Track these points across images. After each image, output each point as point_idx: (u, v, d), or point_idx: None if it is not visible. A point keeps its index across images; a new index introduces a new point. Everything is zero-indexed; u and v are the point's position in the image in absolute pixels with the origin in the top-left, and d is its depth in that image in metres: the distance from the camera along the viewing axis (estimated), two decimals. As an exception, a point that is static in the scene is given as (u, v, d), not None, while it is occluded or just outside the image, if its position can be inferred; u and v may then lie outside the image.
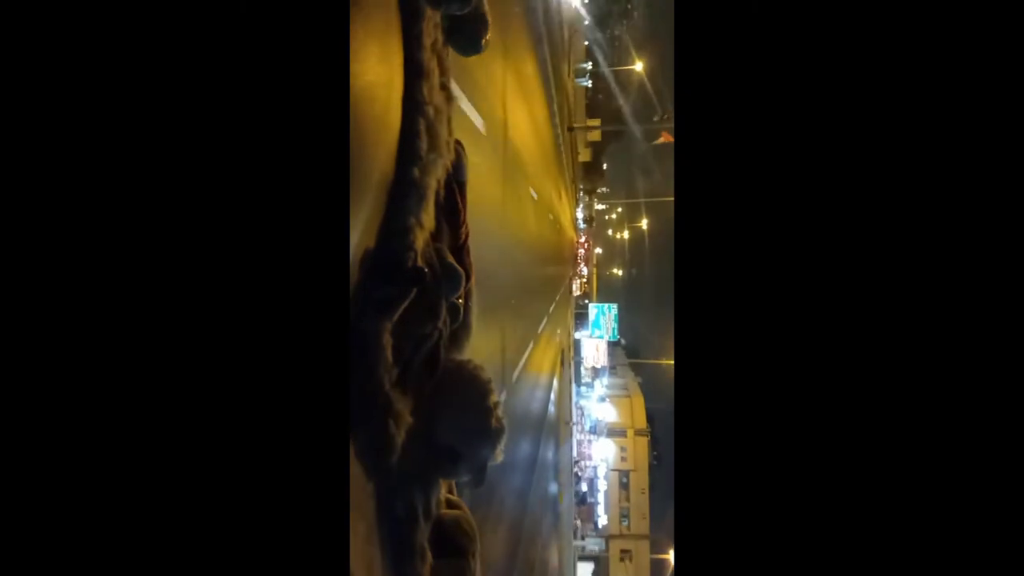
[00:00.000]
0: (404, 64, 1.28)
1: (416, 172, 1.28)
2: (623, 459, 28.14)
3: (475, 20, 1.55)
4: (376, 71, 1.20)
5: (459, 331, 1.61)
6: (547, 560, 13.45)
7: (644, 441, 28.70)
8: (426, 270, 1.31)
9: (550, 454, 15.14)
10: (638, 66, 32.93)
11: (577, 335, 26.85)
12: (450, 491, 1.53)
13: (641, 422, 29.08)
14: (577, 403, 25.03)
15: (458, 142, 1.65)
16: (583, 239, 31.89)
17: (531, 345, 11.56)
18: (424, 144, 1.29)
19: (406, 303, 1.26)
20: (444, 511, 1.44)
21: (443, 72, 1.51)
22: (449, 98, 1.56)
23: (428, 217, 1.34)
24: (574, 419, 22.31)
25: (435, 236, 1.48)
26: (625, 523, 27.50)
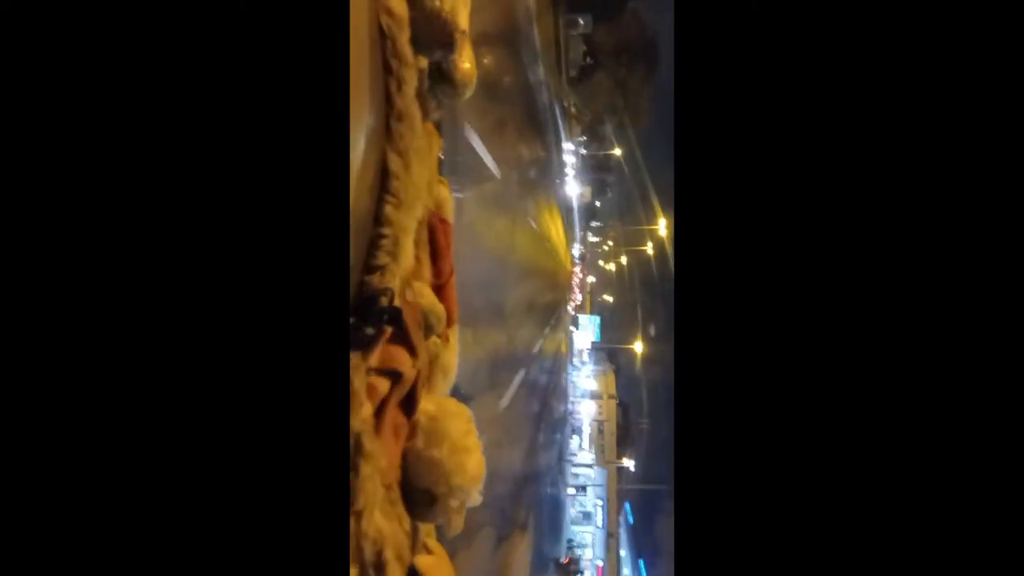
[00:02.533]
0: (384, 108, 1.16)
1: (392, 212, 1.15)
2: (600, 413, 39.63)
3: (457, 66, 1.45)
4: (358, 115, 1.08)
5: (437, 372, 1.49)
6: (549, 465, 20.70)
7: (613, 402, 40.30)
8: (402, 309, 1.17)
9: (553, 409, 23.72)
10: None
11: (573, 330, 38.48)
12: (430, 534, 1.33)
13: (612, 390, 40.59)
14: (570, 378, 36.32)
15: (443, 182, 1.58)
16: (578, 269, 42.94)
17: (540, 341, 17.58)
18: (401, 185, 1.17)
19: (382, 342, 1.13)
20: (419, 557, 1.22)
21: (427, 115, 1.41)
22: (436, 141, 1.48)
23: (406, 256, 1.22)
24: (568, 388, 33.24)
25: (416, 274, 1.37)
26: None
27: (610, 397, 41.20)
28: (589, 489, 33.83)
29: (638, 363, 44.17)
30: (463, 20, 1.40)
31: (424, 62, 1.36)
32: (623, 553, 33.46)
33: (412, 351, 1.24)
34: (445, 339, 1.51)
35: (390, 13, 1.19)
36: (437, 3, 1.31)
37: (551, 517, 22.76)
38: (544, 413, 18.54)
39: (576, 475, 32.69)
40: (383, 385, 1.16)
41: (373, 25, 1.15)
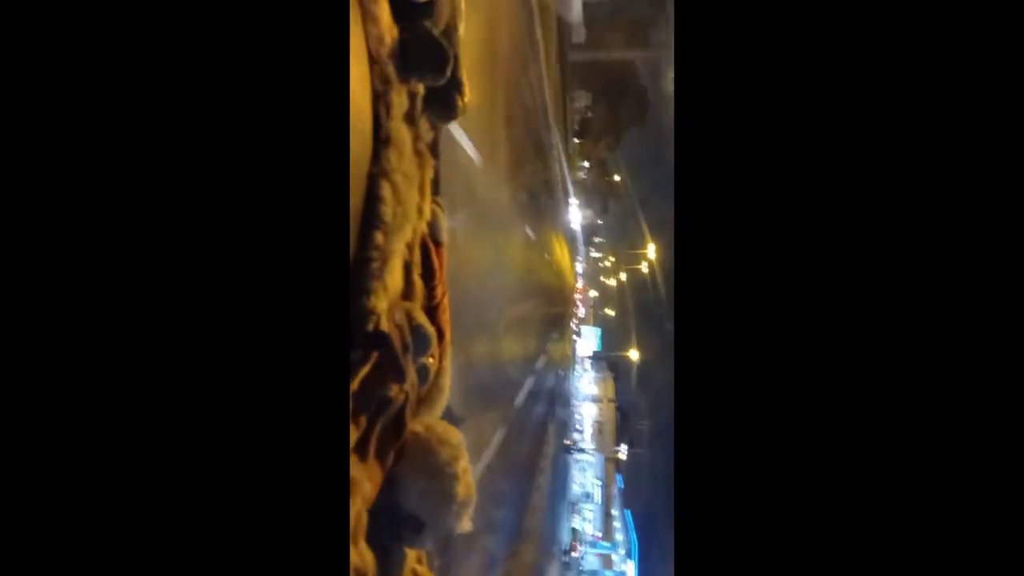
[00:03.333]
0: (373, 133, 1.13)
1: (380, 236, 1.11)
2: (600, 415, 42.59)
3: (450, 88, 1.39)
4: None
5: (430, 393, 1.44)
6: (554, 455, 21.50)
7: (612, 405, 43.26)
8: (389, 334, 1.12)
9: (558, 410, 24.63)
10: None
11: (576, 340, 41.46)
12: (419, 561, 1.29)
13: (611, 394, 43.61)
14: (574, 383, 39.25)
15: (437, 203, 1.50)
16: (580, 285, 45.69)
17: (547, 349, 18.40)
18: (389, 210, 1.13)
19: (368, 367, 1.09)
20: None
21: (420, 137, 1.34)
22: (428, 163, 1.39)
23: (394, 279, 1.18)
24: (572, 391, 36.16)
25: (406, 296, 1.31)
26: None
27: (609, 401, 43.69)
28: (588, 471, 37.09)
29: (634, 369, 47.31)
30: (457, 44, 1.38)
31: (418, 85, 1.33)
32: (615, 512, 36.97)
33: (400, 375, 1.18)
34: (437, 360, 1.44)
35: (380, 38, 1.15)
36: (429, 27, 1.28)
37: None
38: (550, 411, 19.85)
39: (578, 460, 35.88)
40: (368, 411, 1.11)
41: (362, 50, 1.12)
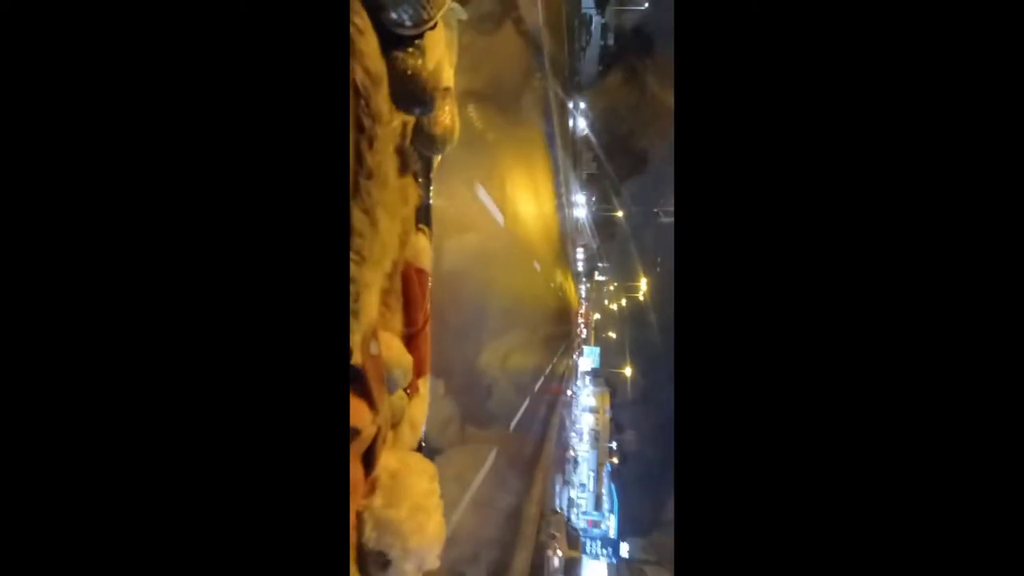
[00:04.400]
0: (354, 165, 1.06)
1: (353, 270, 1.03)
2: (596, 424, 46.75)
3: (437, 120, 1.28)
4: None
5: (404, 424, 1.31)
6: (557, 456, 23.36)
7: (607, 416, 46.23)
8: (363, 367, 1.05)
9: (556, 420, 26.23)
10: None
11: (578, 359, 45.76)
12: None
13: (607, 405, 46.99)
14: (576, 395, 43.60)
15: (421, 230, 1.40)
16: (583, 309, 47.57)
17: (552, 361, 20.74)
18: (365, 243, 1.06)
19: None
20: None
21: (405, 168, 1.26)
22: (413, 192, 1.31)
23: (368, 312, 1.09)
24: (571, 403, 40.29)
25: (383, 325, 1.22)
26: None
27: (604, 412, 45.78)
28: (583, 464, 41.11)
29: (629, 384, 51.72)
30: (447, 77, 1.30)
31: (405, 117, 1.25)
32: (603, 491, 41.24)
33: (372, 406, 1.10)
34: (414, 390, 1.35)
35: (366, 71, 1.09)
36: (418, 62, 1.19)
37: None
38: (551, 415, 21.85)
39: (575, 454, 40.33)
40: None
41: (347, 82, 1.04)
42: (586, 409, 46.82)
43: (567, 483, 34.21)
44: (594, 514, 38.23)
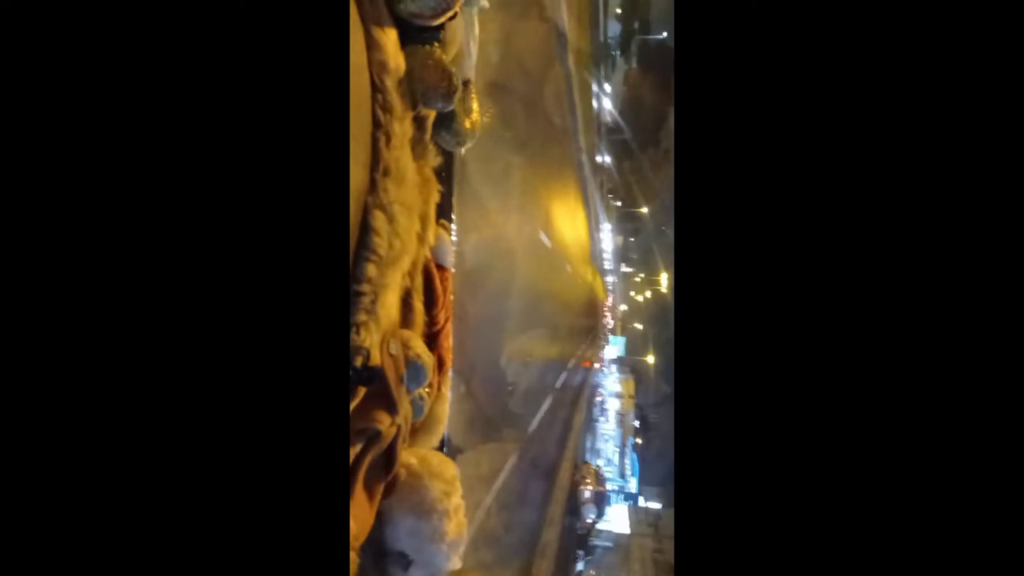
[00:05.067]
0: (371, 163, 0.99)
1: (372, 269, 0.98)
2: (622, 408, 47.28)
3: (460, 115, 1.22)
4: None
5: (426, 423, 1.26)
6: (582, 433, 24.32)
7: (632, 400, 47.29)
8: (382, 366, 1.00)
9: (585, 402, 26.73)
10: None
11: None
12: None
13: (631, 392, 47.81)
14: (602, 382, 44.20)
15: (442, 226, 1.31)
16: (610, 301, 48.98)
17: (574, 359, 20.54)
18: (383, 241, 1.00)
19: (357, 400, 0.97)
20: None
21: (425, 164, 1.18)
22: (433, 187, 1.20)
23: (387, 312, 1.05)
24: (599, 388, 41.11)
25: (405, 324, 1.17)
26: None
27: (629, 397, 46.76)
28: (610, 441, 42.34)
29: (651, 371, 52.11)
30: (468, 70, 1.23)
31: (425, 111, 1.17)
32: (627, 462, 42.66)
33: (392, 407, 1.05)
34: (436, 389, 1.28)
35: (383, 65, 1.03)
36: (438, 54, 1.13)
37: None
38: (580, 397, 22.31)
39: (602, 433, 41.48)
40: (357, 444, 0.99)
41: (366, 76, 1.00)
42: (612, 394, 47.26)
43: (596, 452, 35.14)
44: (619, 480, 40.40)
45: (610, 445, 42.42)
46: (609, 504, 31.05)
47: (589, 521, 22.14)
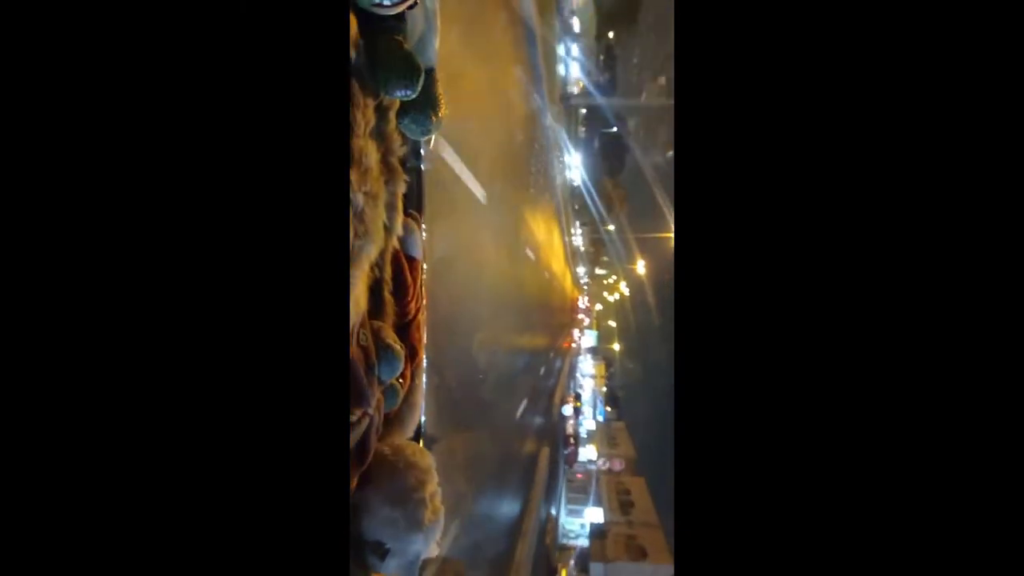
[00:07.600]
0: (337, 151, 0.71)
1: None
2: (595, 385, 47.97)
3: (424, 103, 1.06)
4: None
5: (400, 413, 1.13)
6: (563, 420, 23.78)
7: (603, 381, 47.73)
8: (350, 357, 0.86)
9: (560, 386, 26.50)
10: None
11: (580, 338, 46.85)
12: None
13: (602, 371, 48.22)
14: (578, 365, 45.03)
15: (411, 216, 1.18)
16: (585, 299, 48.91)
17: (555, 347, 19.92)
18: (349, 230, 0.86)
19: None
20: None
21: (390, 152, 1.03)
22: (397, 179, 1.05)
23: (357, 300, 0.94)
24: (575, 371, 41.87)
25: (374, 314, 1.04)
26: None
27: (601, 377, 48.62)
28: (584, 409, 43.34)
29: (617, 356, 52.74)
30: (431, 59, 1.07)
31: (388, 100, 1.01)
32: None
33: (362, 398, 0.96)
34: (408, 379, 1.15)
35: None
36: (400, 41, 0.97)
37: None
38: (557, 383, 22.63)
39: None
40: None
41: None
42: (587, 375, 48.65)
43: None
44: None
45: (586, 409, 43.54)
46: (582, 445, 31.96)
47: (569, 432, 23.60)
